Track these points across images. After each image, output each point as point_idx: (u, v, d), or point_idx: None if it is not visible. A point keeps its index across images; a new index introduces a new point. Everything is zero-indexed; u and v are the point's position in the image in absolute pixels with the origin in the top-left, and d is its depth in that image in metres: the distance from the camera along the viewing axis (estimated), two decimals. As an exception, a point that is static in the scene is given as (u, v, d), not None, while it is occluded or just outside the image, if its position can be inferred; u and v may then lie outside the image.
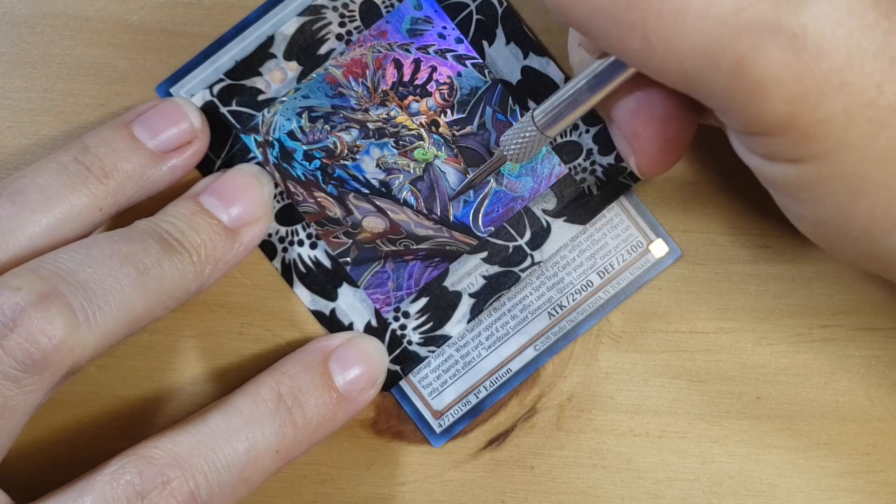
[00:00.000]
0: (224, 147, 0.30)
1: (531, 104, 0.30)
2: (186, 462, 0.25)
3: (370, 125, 0.30)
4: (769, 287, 0.30)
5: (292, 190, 0.30)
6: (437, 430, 0.30)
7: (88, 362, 0.26)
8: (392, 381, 0.30)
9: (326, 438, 0.28)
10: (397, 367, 0.30)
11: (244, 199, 0.28)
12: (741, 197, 0.30)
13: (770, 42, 0.20)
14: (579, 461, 0.30)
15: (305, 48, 0.30)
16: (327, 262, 0.30)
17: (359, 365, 0.28)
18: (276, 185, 0.30)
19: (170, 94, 0.30)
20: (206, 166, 0.30)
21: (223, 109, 0.30)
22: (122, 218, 0.28)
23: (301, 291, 0.30)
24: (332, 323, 0.30)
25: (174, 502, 0.25)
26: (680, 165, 0.30)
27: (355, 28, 0.30)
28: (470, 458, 0.30)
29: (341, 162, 0.30)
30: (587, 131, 0.30)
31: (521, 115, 0.30)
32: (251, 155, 0.30)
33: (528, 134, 0.26)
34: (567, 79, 0.30)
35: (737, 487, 0.30)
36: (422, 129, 0.30)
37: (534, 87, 0.30)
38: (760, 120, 0.21)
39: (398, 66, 0.30)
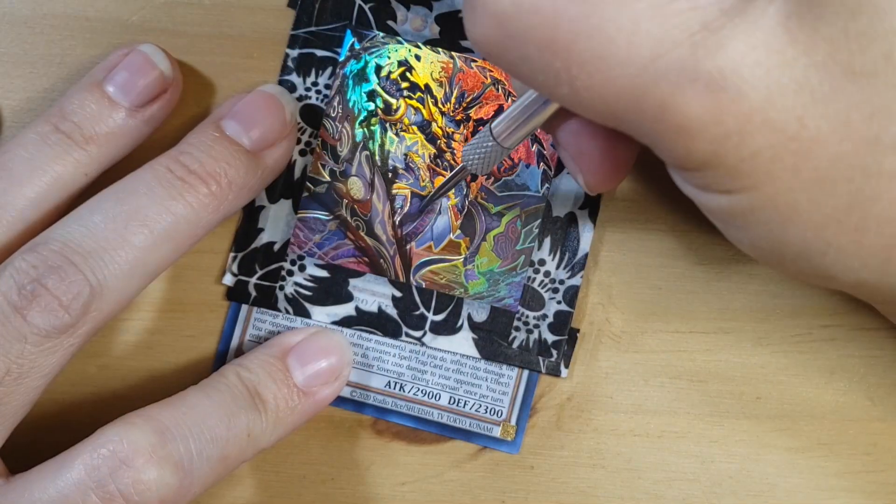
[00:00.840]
0: (327, 23, 0.30)
1: (547, 240, 0.30)
2: (171, 432, 0.26)
3: (433, 125, 0.30)
4: (769, 287, 0.30)
5: (335, 103, 0.30)
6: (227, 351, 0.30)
7: (107, 322, 0.26)
8: (241, 297, 0.30)
9: (318, 442, 0.28)
10: (254, 293, 0.30)
11: (266, 121, 0.28)
12: (741, 197, 0.30)
13: (689, 87, 0.21)
14: (579, 461, 0.30)
15: (456, 27, 0.30)
16: (296, 174, 0.30)
17: (319, 360, 0.28)
18: (329, 86, 0.30)
19: None
20: (298, 24, 0.30)
21: (358, 0, 0.30)
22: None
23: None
24: (250, 215, 0.30)
25: (159, 472, 0.25)
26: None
27: None
28: (470, 458, 0.30)
29: (387, 125, 0.30)
30: (559, 302, 0.30)
31: (533, 240, 0.30)
32: (337, 49, 0.30)
33: (487, 146, 0.27)
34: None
35: (737, 487, 0.30)
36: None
37: (564, 232, 0.30)
38: (688, 158, 0.22)
39: (498, 112, 0.30)
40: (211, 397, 0.27)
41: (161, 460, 0.25)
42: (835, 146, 0.21)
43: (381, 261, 0.30)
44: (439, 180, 0.30)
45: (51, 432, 0.30)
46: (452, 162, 0.30)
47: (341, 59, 0.30)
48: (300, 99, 0.30)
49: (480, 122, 0.30)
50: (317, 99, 0.30)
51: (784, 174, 0.21)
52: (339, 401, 0.30)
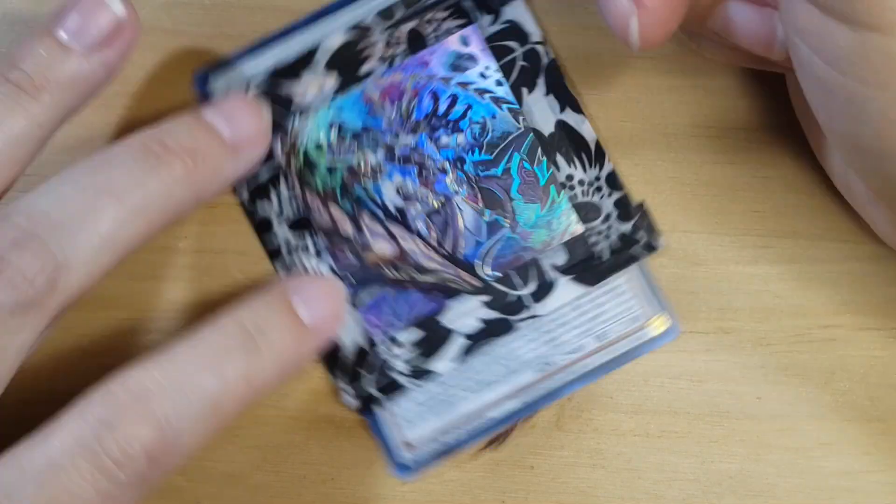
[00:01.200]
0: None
1: (559, 157, 0.30)
2: (154, 393, 0.25)
3: (397, 150, 0.30)
4: (769, 287, 0.30)
5: (308, 199, 0.30)
6: (408, 462, 0.30)
7: (79, 297, 0.25)
8: (370, 404, 0.30)
9: (318, 442, 0.28)
10: (379, 394, 0.30)
11: (246, 118, 0.28)
12: (741, 197, 0.30)
13: None
14: (579, 461, 0.30)
15: (347, 63, 0.30)
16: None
17: (320, 299, 0.28)
18: (292, 192, 0.30)
19: (206, 89, 0.29)
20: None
21: None
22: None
23: None
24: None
25: (145, 432, 0.24)
26: (680, 166, 0.30)
27: (400, 52, 0.30)
28: (470, 458, 0.30)
29: (362, 181, 0.30)
30: (609, 195, 0.30)
31: (547, 170, 0.30)
32: (275, 159, 0.30)
33: None
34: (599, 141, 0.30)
35: (737, 487, 0.30)
36: (447, 163, 0.30)
37: (565, 142, 0.30)
38: None
39: (435, 97, 0.30)
40: (197, 349, 0.26)
41: (146, 423, 0.24)
42: None
43: (451, 284, 0.30)
44: (440, 180, 0.30)
45: (51, 432, 0.30)
46: (435, 165, 0.30)
47: (283, 165, 0.29)
48: (417, 23, 0.29)
49: (430, 116, 0.30)
50: (293, 211, 0.30)
51: None
52: (514, 414, 0.30)
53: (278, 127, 0.29)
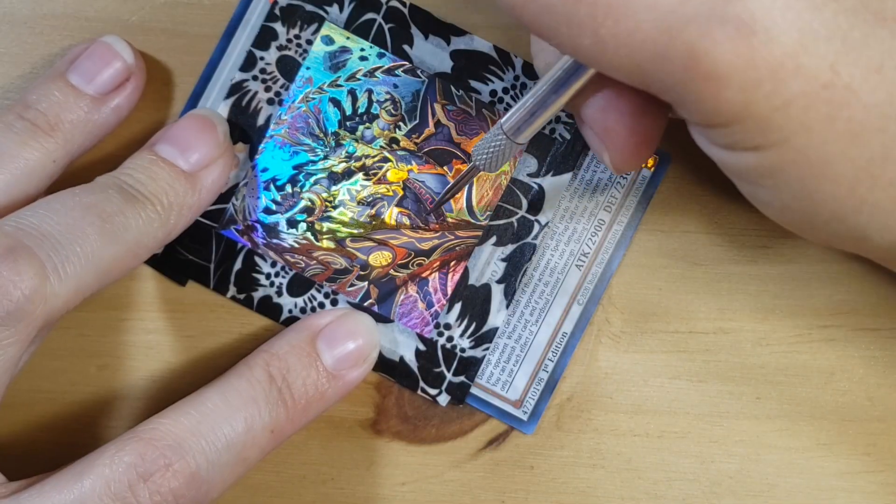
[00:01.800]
0: (209, 249, 0.30)
1: (473, 83, 0.30)
2: (187, 443, 0.25)
3: (335, 169, 0.30)
4: (769, 287, 0.30)
5: (292, 260, 0.30)
6: (524, 417, 0.30)
7: (62, 314, 0.26)
8: (462, 392, 0.30)
9: (318, 442, 0.28)
10: (461, 378, 0.30)
11: (199, 142, 0.28)
12: (741, 197, 0.30)
13: (718, 30, 0.20)
14: (579, 461, 0.30)
15: (244, 126, 0.30)
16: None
17: (347, 342, 0.28)
18: (275, 264, 0.30)
19: None
20: (203, 275, 0.30)
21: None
22: (81, 170, 0.29)
23: None
24: (385, 366, 0.30)
25: (176, 484, 0.25)
26: (679, 166, 0.30)
27: (281, 87, 0.30)
28: (470, 458, 0.30)
29: (325, 214, 0.30)
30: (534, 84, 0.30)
31: (470, 99, 0.30)
32: (239, 246, 0.30)
33: (497, 142, 0.27)
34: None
35: (737, 487, 0.30)
36: (384, 152, 0.30)
37: (469, 67, 0.30)
38: (717, 111, 0.21)
39: (336, 103, 0.30)
40: (229, 400, 0.27)
41: (177, 473, 0.25)
42: (867, 95, 0.20)
43: (459, 248, 0.30)
44: (393, 172, 0.30)
45: (51, 432, 0.30)
46: (374, 160, 0.30)
47: (248, 245, 0.30)
48: (280, 48, 0.30)
49: (346, 119, 0.30)
50: (285, 274, 0.30)
51: (817, 125, 0.20)
52: (588, 306, 0.30)
53: (223, 215, 0.30)
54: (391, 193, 0.30)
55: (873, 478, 0.30)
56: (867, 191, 0.21)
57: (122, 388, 0.30)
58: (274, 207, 0.30)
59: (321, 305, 0.30)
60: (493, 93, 0.30)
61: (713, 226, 0.31)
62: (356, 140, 0.30)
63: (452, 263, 0.30)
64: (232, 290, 0.30)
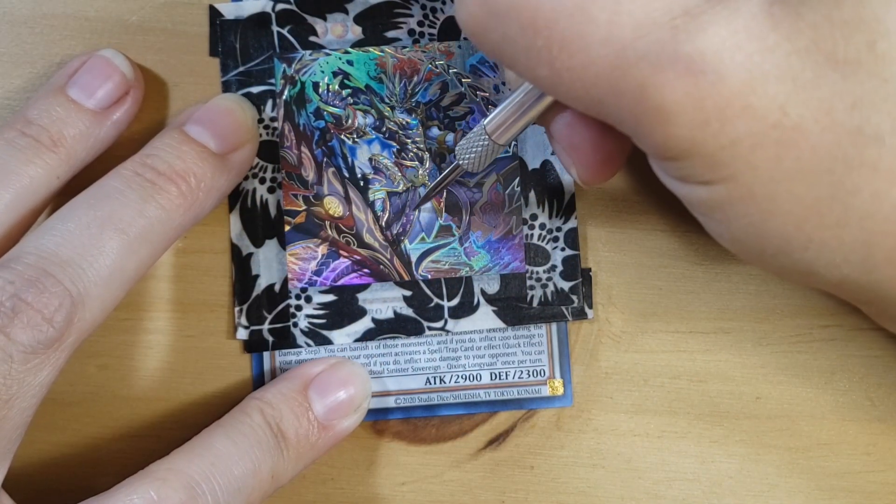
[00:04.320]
0: (253, 59, 0.30)
1: (532, 194, 0.30)
2: (201, 486, 0.26)
3: (387, 122, 0.30)
4: (769, 287, 0.30)
5: (286, 132, 0.30)
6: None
7: (93, 331, 0.26)
8: (260, 347, 0.30)
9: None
10: (270, 339, 0.30)
11: (229, 124, 0.28)
12: (741, 197, 0.30)
13: (668, 68, 0.20)
14: (579, 461, 0.30)
15: (377, 23, 0.30)
16: (273, 211, 0.30)
17: (339, 391, 0.29)
18: (274, 120, 0.30)
19: None
20: (225, 67, 0.30)
21: (274, 27, 0.30)
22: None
23: (234, 220, 0.30)
24: (241, 265, 0.30)
25: None
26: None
27: (430, 34, 0.30)
28: (470, 458, 0.30)
29: (343, 136, 0.30)
30: (562, 249, 0.30)
31: (516, 198, 0.30)
32: (270, 80, 0.30)
33: (482, 144, 0.27)
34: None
35: (737, 487, 0.30)
36: (426, 155, 0.30)
37: (544, 182, 0.30)
38: (667, 146, 0.21)
39: (444, 89, 0.30)
40: (237, 443, 0.27)
41: None
42: (816, 136, 0.21)
43: (382, 267, 0.30)
44: (413, 167, 0.30)
45: (50, 432, 0.30)
46: (416, 151, 0.30)
47: (277, 88, 0.30)
48: None
49: (431, 104, 0.30)
50: (268, 134, 0.30)
51: (764, 164, 0.21)
52: (385, 412, 0.30)
53: (291, 52, 0.30)
54: (395, 182, 0.30)
55: (874, 478, 0.30)
56: (814, 229, 0.22)
57: (122, 388, 0.30)
58: (322, 91, 0.30)
59: (262, 180, 0.30)
60: (533, 216, 0.30)
61: (713, 226, 0.30)
62: (423, 125, 0.30)
63: (366, 271, 0.30)
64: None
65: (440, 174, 0.29)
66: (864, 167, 0.21)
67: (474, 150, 0.27)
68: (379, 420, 0.30)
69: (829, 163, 0.21)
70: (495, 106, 0.30)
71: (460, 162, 0.27)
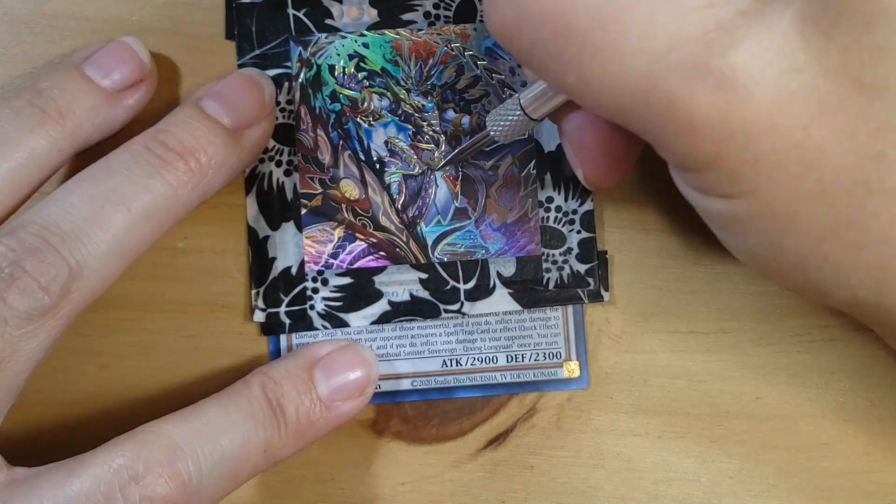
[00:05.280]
0: (269, 42, 0.30)
1: (547, 176, 0.30)
2: (182, 450, 0.26)
3: (402, 105, 0.30)
4: (769, 287, 0.30)
5: (302, 115, 0.30)
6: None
7: (91, 301, 0.26)
8: (277, 329, 0.30)
9: (318, 442, 0.28)
10: (287, 321, 0.30)
11: (245, 100, 0.28)
12: (741, 197, 0.30)
13: (698, 82, 0.20)
14: (579, 461, 0.30)
15: (393, 6, 0.30)
16: (289, 194, 0.30)
17: (346, 373, 0.28)
18: (290, 102, 0.30)
19: None
20: (241, 53, 0.30)
21: (290, 10, 0.30)
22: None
23: (251, 203, 0.30)
24: (258, 247, 0.30)
25: (167, 490, 0.25)
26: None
27: (445, 16, 0.30)
28: (470, 458, 0.30)
29: (358, 119, 0.30)
30: (578, 232, 0.30)
31: (532, 181, 0.30)
32: (287, 63, 0.30)
33: (515, 116, 0.27)
34: None
35: (737, 487, 0.30)
36: (442, 138, 0.30)
37: (560, 165, 0.30)
38: (691, 157, 0.22)
39: (459, 71, 0.30)
40: (229, 414, 0.27)
41: (170, 479, 0.25)
42: (839, 158, 0.21)
43: (398, 249, 0.30)
44: (429, 150, 0.30)
45: (50, 431, 0.30)
46: (432, 133, 0.30)
47: (293, 72, 0.30)
48: None
49: (446, 87, 0.30)
50: (283, 118, 0.30)
51: (786, 182, 0.21)
52: (404, 394, 0.30)
53: (306, 34, 0.30)
54: (411, 165, 0.30)
55: (874, 478, 0.30)
56: (830, 250, 0.22)
57: (122, 388, 0.30)
58: (338, 73, 0.30)
59: (278, 163, 0.30)
60: (549, 199, 0.30)
61: (713, 226, 0.30)
62: (438, 109, 0.30)
63: (382, 254, 0.30)
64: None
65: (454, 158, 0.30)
66: (885, 192, 0.21)
67: (506, 121, 0.27)
68: (395, 402, 0.30)
69: (850, 185, 0.21)
70: (511, 88, 0.30)
71: (490, 132, 0.27)
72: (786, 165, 0.21)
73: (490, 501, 0.30)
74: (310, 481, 0.30)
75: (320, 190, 0.30)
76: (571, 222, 0.30)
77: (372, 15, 0.30)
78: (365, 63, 0.30)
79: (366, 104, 0.30)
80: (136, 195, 0.26)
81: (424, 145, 0.30)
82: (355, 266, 0.30)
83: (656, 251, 0.31)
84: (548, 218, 0.30)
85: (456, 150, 0.30)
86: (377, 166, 0.30)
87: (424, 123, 0.30)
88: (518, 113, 0.26)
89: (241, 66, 0.30)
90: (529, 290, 0.30)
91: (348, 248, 0.30)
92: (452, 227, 0.30)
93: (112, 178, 0.26)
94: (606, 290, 0.30)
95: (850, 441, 0.30)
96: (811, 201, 0.21)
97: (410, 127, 0.30)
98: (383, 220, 0.30)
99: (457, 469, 0.30)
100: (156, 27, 0.30)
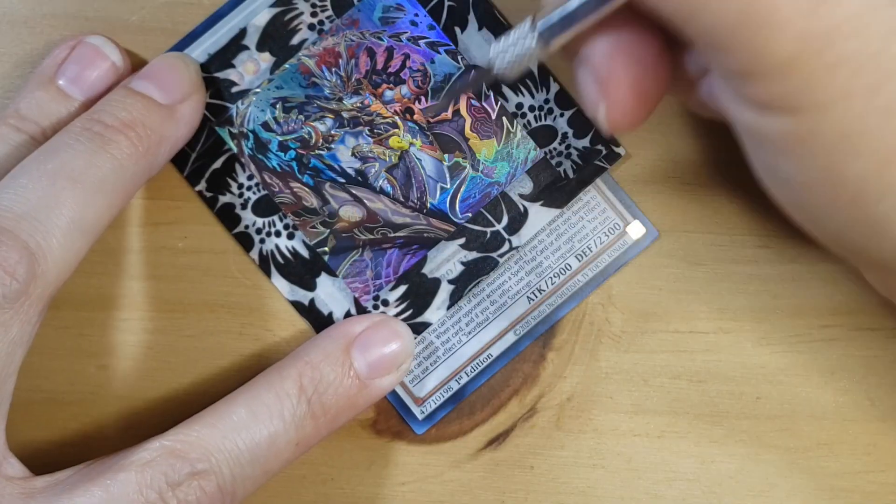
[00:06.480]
0: (199, 140, 0.30)
1: (504, 88, 0.30)
2: (214, 456, 0.26)
3: (344, 114, 0.30)
4: (769, 287, 0.30)
5: (268, 181, 0.30)
6: (420, 416, 0.30)
7: (62, 282, 0.26)
8: None
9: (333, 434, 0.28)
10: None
11: (172, 77, 0.28)
12: (741, 197, 0.30)
13: None
14: (579, 461, 0.30)
15: (278, 39, 0.30)
16: (305, 253, 0.30)
17: (382, 349, 0.28)
18: (251, 177, 0.30)
19: None
20: (181, 160, 0.30)
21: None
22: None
23: (279, 282, 0.30)
24: (311, 313, 0.30)
25: (203, 495, 0.25)
26: (680, 165, 0.30)
27: (327, 18, 0.30)
28: (470, 458, 0.30)
29: (316, 152, 0.30)
30: (561, 115, 0.30)
31: (495, 102, 0.30)
32: (226, 147, 0.30)
33: (526, 46, 0.24)
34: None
35: (737, 487, 0.30)
36: (396, 117, 0.30)
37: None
38: (764, 58, 0.20)
39: (371, 54, 0.30)
40: (256, 415, 0.27)
41: (205, 485, 0.25)
42: None
43: (425, 234, 0.30)
44: (395, 140, 0.30)
45: (50, 432, 0.30)
46: (384, 121, 0.30)
47: (235, 151, 0.30)
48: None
49: (369, 73, 0.30)
50: (254, 193, 0.30)
51: (861, 93, 0.20)
52: (516, 347, 0.30)
53: (223, 113, 0.30)
54: (386, 158, 0.30)
55: (874, 478, 0.30)
56: (894, 177, 0.21)
57: (122, 388, 0.30)
58: (273, 126, 0.30)
59: (277, 234, 0.30)
60: (518, 105, 0.30)
61: (713, 226, 0.31)
62: (375, 96, 0.30)
63: (415, 247, 0.30)
64: (202, 185, 0.30)
65: (418, 128, 0.30)
66: None
67: (515, 52, 0.24)
68: (511, 358, 0.30)
69: None
70: (421, 39, 0.30)
71: (498, 69, 0.24)
72: (863, 74, 0.20)
73: (490, 501, 0.30)
74: (310, 481, 0.30)
75: (327, 231, 0.30)
76: (550, 111, 0.30)
77: (266, 59, 0.30)
78: (288, 101, 0.30)
79: (313, 135, 0.30)
80: (84, 170, 0.26)
81: (385, 134, 0.30)
82: (401, 272, 0.30)
83: (656, 251, 0.31)
84: (529, 122, 0.30)
85: (450, 85, 0.30)
86: (360, 179, 0.30)
87: (372, 117, 0.30)
88: (529, 41, 0.24)
89: (189, 176, 0.30)
90: (555, 190, 0.30)
91: (384, 262, 0.30)
92: (455, 184, 0.30)
93: (57, 157, 0.26)
94: (618, 145, 0.30)
95: (850, 441, 0.30)
96: (882, 118, 0.20)
97: (363, 127, 0.30)
98: (397, 219, 0.30)
99: (457, 469, 0.30)
100: (156, 27, 0.30)
